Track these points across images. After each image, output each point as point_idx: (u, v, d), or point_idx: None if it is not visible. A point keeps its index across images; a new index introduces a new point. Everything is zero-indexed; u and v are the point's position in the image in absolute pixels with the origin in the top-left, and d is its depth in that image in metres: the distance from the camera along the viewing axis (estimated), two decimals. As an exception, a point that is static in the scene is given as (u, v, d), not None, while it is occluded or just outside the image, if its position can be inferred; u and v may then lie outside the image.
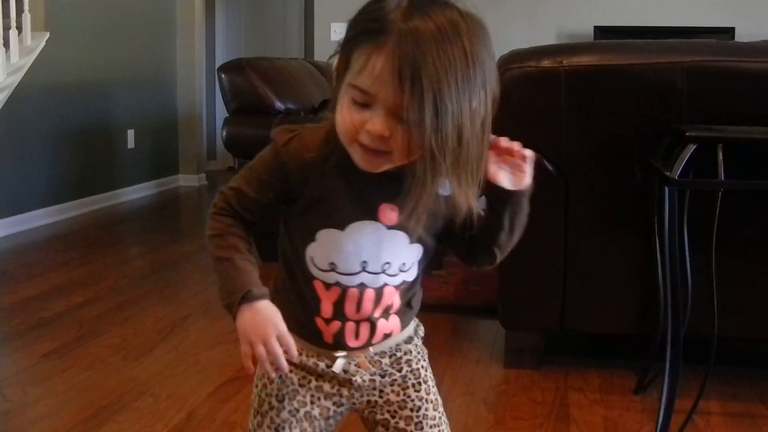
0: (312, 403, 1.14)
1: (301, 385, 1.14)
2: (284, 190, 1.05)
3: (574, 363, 2.49)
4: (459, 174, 0.91)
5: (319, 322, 1.09)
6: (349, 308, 1.09)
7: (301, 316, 1.10)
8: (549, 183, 2.20)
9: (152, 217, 5.31)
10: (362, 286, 1.07)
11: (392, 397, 1.16)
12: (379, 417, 1.16)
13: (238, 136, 3.75)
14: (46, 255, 3.98)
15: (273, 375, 1.04)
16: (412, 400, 1.16)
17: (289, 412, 1.14)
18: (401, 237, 1.06)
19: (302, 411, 1.14)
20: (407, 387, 1.16)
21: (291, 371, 1.12)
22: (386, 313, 1.11)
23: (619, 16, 5.50)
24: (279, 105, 3.75)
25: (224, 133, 3.80)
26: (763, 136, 1.90)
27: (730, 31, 5.33)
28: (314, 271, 1.07)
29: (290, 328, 1.05)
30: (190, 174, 6.47)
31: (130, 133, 5.71)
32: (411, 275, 1.11)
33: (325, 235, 1.05)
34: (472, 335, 2.78)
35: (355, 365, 1.13)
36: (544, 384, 2.34)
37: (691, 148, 1.84)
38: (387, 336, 1.13)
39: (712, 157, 1.85)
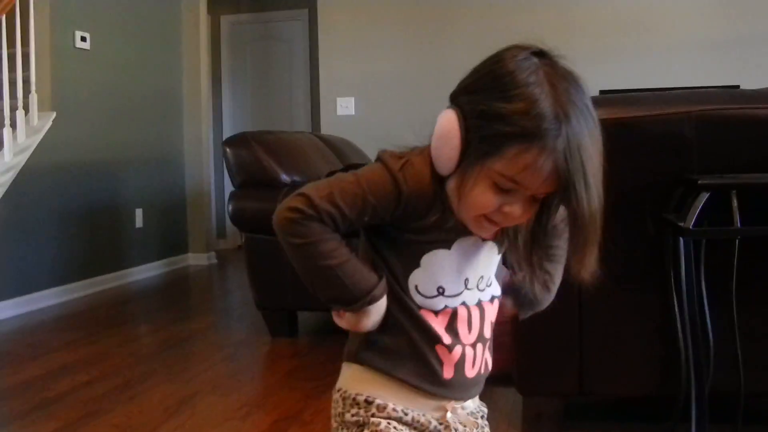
0: None
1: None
2: (383, 218, 1.02)
3: (596, 428, 2.40)
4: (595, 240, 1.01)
5: (440, 350, 1.07)
6: (462, 330, 1.08)
7: (421, 348, 1.07)
8: (560, 240, 2.15)
9: (161, 296, 5.26)
10: (465, 305, 1.08)
11: None
12: None
13: (244, 209, 3.73)
14: (52, 335, 3.92)
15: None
16: None
17: None
18: (494, 248, 1.10)
19: None
20: None
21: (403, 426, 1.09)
22: (490, 332, 1.13)
23: (625, 79, 5.53)
24: (285, 177, 3.74)
25: (230, 207, 3.77)
26: (777, 182, 1.85)
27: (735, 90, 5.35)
28: (419, 300, 1.06)
29: (401, 373, 1.06)
30: (199, 252, 6.44)
31: (139, 212, 5.71)
32: (497, 289, 1.14)
33: (429, 258, 1.05)
34: (488, 403, 2.66)
35: (461, 423, 1.11)
36: (564, 451, 2.25)
37: (704, 196, 1.79)
38: (487, 367, 1.14)
39: (726, 206, 1.80)
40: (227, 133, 7.36)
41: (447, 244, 1.05)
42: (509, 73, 0.95)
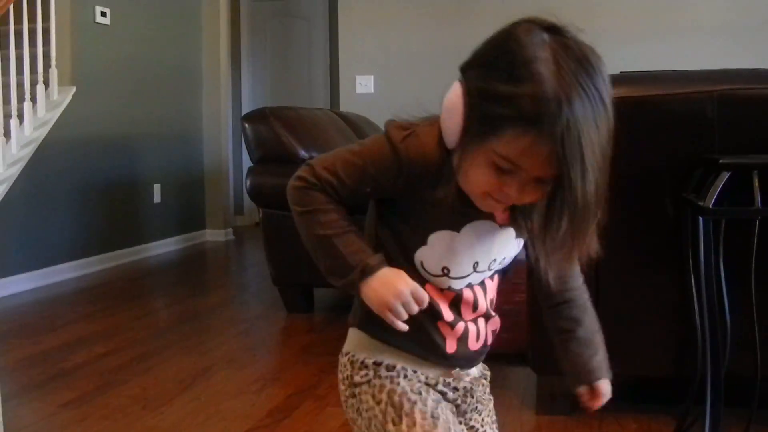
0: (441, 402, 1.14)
1: (428, 384, 1.12)
2: (386, 189, 1.03)
3: (609, 408, 2.35)
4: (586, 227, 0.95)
5: (442, 326, 1.09)
6: (466, 308, 1.10)
7: (423, 323, 1.07)
8: (577, 219, 2.13)
9: (178, 271, 5.29)
10: (469, 286, 1.09)
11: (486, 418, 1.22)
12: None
13: (262, 185, 3.72)
14: (70, 308, 3.95)
15: (403, 325, 1.01)
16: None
17: (434, 400, 1.10)
18: (510, 233, 1.08)
19: (442, 402, 1.12)
20: (493, 423, 1.24)
21: (414, 374, 1.12)
22: (492, 307, 1.14)
23: (647, 61, 5.45)
24: (303, 153, 3.73)
25: (248, 183, 3.77)
26: (800, 163, 1.83)
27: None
28: (425, 275, 1.06)
29: (405, 346, 1.09)
30: (217, 229, 6.45)
31: (157, 187, 5.73)
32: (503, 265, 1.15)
33: (438, 238, 1.04)
34: (503, 382, 2.69)
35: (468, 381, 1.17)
36: (578, 430, 2.25)
37: (725, 176, 1.77)
38: (493, 334, 1.16)
39: (746, 186, 1.78)
40: (246, 110, 7.35)
41: (456, 227, 1.03)
42: (514, 50, 0.91)
